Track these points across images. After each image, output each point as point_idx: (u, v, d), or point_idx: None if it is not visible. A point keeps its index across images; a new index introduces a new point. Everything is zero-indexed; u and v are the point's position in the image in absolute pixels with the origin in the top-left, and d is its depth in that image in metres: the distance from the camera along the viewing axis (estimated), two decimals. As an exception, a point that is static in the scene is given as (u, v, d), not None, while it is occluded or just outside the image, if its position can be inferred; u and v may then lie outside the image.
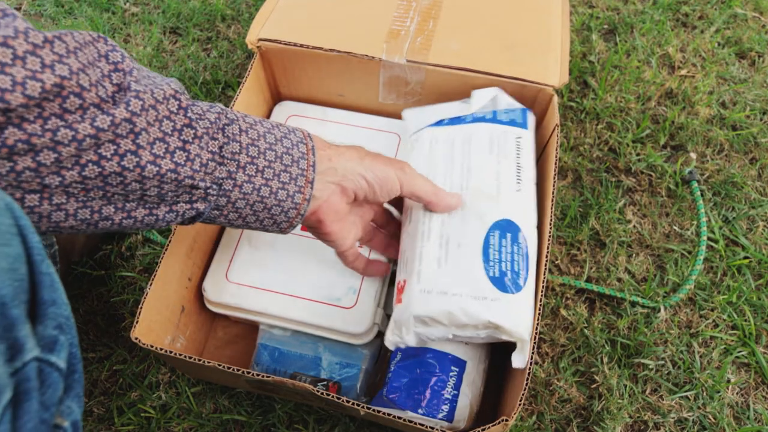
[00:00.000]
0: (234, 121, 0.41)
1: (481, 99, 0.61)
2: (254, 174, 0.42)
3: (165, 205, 0.40)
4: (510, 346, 0.48)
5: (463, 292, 0.48)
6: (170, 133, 0.38)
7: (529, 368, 0.46)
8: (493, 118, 0.59)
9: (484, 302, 0.47)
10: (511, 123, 0.58)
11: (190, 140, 0.39)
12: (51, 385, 0.31)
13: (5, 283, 0.28)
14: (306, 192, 0.44)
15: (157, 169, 0.38)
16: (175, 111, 0.38)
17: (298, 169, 0.44)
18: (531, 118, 0.60)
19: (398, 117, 0.71)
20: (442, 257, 0.50)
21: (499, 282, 0.48)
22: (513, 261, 0.49)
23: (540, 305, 0.49)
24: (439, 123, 0.61)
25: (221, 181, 0.41)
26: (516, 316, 0.47)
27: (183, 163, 0.38)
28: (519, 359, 0.47)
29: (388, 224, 0.59)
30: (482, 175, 0.54)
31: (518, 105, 0.61)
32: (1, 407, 0.26)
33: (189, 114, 0.39)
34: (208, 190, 0.41)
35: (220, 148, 0.40)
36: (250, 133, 0.42)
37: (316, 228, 0.50)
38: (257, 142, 0.42)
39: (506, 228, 0.51)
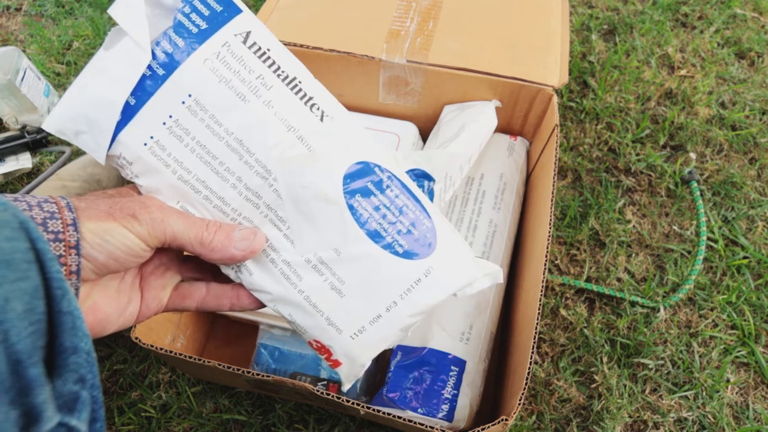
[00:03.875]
0: None
1: None
2: None
3: None
4: (509, 347, 0.48)
5: (390, 297, 0.36)
6: None
7: (529, 368, 0.46)
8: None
9: (418, 288, 0.36)
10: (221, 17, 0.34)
11: None
12: None
13: (22, 332, 0.23)
14: None
15: None
16: None
17: None
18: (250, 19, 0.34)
19: (398, 117, 0.71)
20: (332, 281, 0.36)
21: (409, 254, 0.35)
22: (402, 214, 0.35)
23: (540, 305, 0.49)
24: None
25: None
26: (454, 268, 0.37)
27: None
28: (485, 280, 0.38)
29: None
30: (266, 136, 0.33)
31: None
32: None
33: None
34: None
35: None
36: None
37: None
38: None
39: (362, 174, 0.35)
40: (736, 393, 0.64)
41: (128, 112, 0.33)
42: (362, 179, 0.35)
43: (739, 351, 0.66)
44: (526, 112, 0.67)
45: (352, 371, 0.38)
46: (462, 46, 0.65)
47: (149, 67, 0.32)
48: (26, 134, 0.79)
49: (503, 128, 0.71)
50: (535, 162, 0.67)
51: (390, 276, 0.35)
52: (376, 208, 0.35)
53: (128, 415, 0.62)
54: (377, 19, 0.68)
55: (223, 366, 0.48)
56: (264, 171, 0.34)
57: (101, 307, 0.33)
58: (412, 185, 0.37)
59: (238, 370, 0.48)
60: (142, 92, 0.33)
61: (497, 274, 0.38)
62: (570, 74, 0.88)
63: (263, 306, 0.37)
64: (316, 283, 0.35)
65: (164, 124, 0.33)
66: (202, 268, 0.38)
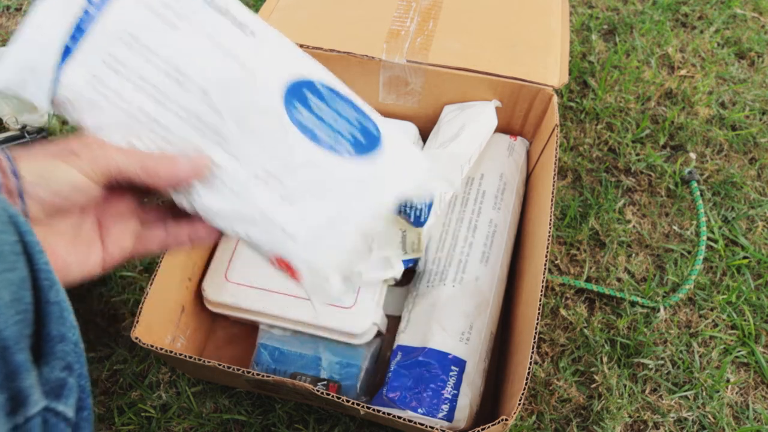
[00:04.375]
0: None
1: None
2: None
3: None
4: (509, 347, 0.48)
5: (341, 199, 0.36)
6: None
7: (529, 368, 0.46)
8: None
9: (368, 188, 0.36)
10: None
11: None
12: None
13: (9, 320, 0.24)
14: None
15: None
16: None
17: None
18: None
19: (398, 117, 0.71)
20: (282, 192, 0.36)
21: (355, 155, 0.36)
22: (343, 119, 0.36)
23: (540, 305, 0.49)
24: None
25: None
26: (403, 168, 0.38)
27: None
28: (442, 184, 0.38)
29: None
30: (201, 60, 0.34)
31: None
32: None
33: None
34: None
35: None
36: None
37: None
38: None
39: (300, 87, 0.36)
40: (736, 393, 0.64)
41: (66, 53, 0.34)
42: (300, 91, 0.36)
43: (739, 351, 0.66)
44: (526, 112, 0.67)
45: (315, 283, 0.37)
46: (462, 46, 0.65)
47: (83, 8, 0.34)
48: (26, 134, 0.79)
49: (503, 128, 0.71)
50: (535, 162, 0.67)
51: (338, 179, 0.36)
52: (318, 117, 0.35)
53: (128, 415, 0.62)
54: (377, 19, 0.68)
55: (223, 366, 0.48)
56: (203, 94, 0.34)
57: (60, 254, 0.33)
58: (351, 94, 0.38)
59: (238, 370, 0.48)
60: (77, 32, 0.34)
61: (454, 182, 0.38)
62: (570, 74, 0.88)
63: (220, 235, 0.38)
64: (266, 196, 0.35)
65: (102, 60, 0.34)
66: (160, 212, 0.39)
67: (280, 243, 0.36)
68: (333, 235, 0.36)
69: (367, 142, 0.36)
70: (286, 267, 0.37)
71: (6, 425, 0.24)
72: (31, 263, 0.26)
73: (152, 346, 0.49)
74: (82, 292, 0.70)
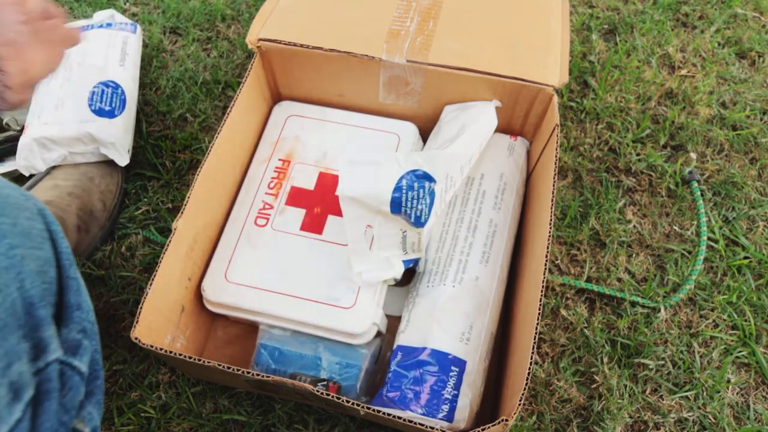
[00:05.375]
0: None
1: None
2: None
3: None
4: (509, 347, 0.48)
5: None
6: None
7: (529, 368, 0.46)
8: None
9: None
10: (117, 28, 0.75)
11: None
12: (72, 387, 0.31)
13: (35, 284, 0.29)
14: None
15: None
16: None
17: None
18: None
19: (398, 117, 0.71)
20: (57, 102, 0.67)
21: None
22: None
23: (540, 305, 0.49)
24: None
25: None
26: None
27: None
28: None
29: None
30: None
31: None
32: (23, 404, 0.27)
33: None
34: None
35: None
36: None
37: None
38: None
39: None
40: (737, 393, 0.64)
41: None
42: None
43: (739, 351, 0.66)
44: (526, 112, 0.67)
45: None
46: (462, 46, 0.65)
47: None
48: (26, 134, 0.79)
49: (503, 128, 0.71)
50: (536, 162, 0.67)
51: None
52: None
53: (128, 416, 0.62)
54: (377, 19, 0.68)
55: (223, 366, 0.48)
56: None
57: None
58: None
59: (238, 370, 0.47)
60: None
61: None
62: (570, 74, 0.88)
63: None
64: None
65: None
66: None
67: None
68: None
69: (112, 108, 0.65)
70: None
71: (30, 369, 0.28)
72: (55, 247, 0.31)
73: (152, 346, 0.49)
74: (81, 293, 0.70)
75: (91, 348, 0.33)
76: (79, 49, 0.75)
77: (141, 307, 0.50)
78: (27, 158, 0.71)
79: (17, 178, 0.79)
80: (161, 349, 0.49)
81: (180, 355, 0.48)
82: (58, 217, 0.67)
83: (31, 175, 0.74)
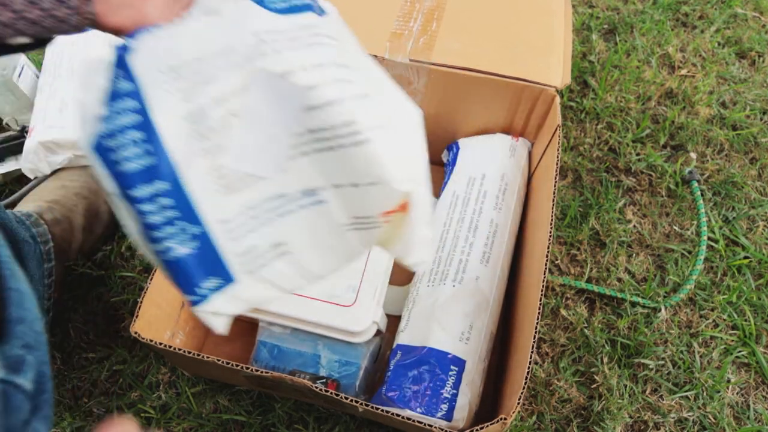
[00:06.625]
0: None
1: None
2: None
3: None
4: (509, 347, 0.48)
5: None
6: None
7: (529, 368, 0.46)
8: None
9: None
10: None
11: None
12: (15, 408, 0.29)
13: None
14: None
15: None
16: None
17: None
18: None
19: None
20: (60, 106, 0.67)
21: None
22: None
23: (540, 305, 0.49)
24: None
25: None
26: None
27: None
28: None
29: None
30: None
31: None
32: None
33: None
34: None
35: None
36: None
37: None
38: None
39: None
40: (737, 393, 0.64)
41: None
42: None
43: (739, 351, 0.66)
44: (528, 112, 0.67)
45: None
46: (465, 46, 0.65)
47: None
48: (26, 134, 0.79)
49: (506, 129, 0.71)
50: (537, 163, 0.67)
51: None
52: None
53: (128, 416, 0.62)
54: (380, 20, 0.68)
55: (222, 362, 0.48)
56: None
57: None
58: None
59: (237, 366, 0.47)
60: None
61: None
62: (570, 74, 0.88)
63: None
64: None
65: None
66: None
67: None
68: None
69: None
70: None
71: None
72: None
73: (151, 340, 0.49)
74: (82, 293, 0.70)
75: (36, 361, 0.31)
76: (83, 51, 0.75)
77: (141, 302, 0.50)
78: (32, 162, 0.71)
79: (18, 178, 0.79)
80: (160, 344, 0.49)
81: (179, 350, 0.48)
82: (64, 217, 0.66)
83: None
